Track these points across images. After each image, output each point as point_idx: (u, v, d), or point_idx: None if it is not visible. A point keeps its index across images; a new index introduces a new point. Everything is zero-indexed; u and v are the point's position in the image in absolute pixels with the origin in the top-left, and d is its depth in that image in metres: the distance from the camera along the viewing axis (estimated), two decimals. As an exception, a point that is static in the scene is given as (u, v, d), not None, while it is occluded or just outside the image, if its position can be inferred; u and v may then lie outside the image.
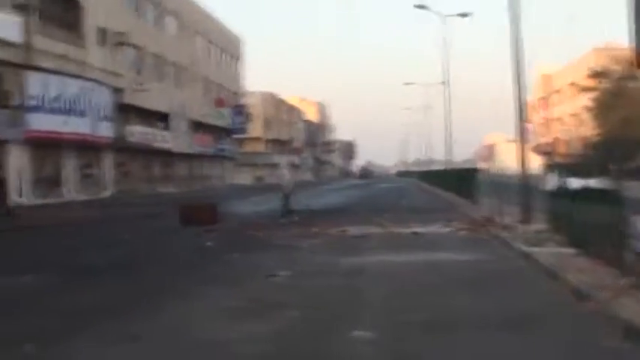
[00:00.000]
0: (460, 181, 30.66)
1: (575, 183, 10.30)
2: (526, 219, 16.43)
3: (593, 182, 9.55)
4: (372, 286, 8.71)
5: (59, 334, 6.17)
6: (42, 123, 29.92)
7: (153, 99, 41.57)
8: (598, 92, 61.89)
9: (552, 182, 12.19)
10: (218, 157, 57.70)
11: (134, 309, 7.41)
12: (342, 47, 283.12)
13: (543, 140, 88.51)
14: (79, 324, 6.63)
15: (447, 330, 6.05)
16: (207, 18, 54.57)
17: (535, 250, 10.88)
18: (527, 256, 10.60)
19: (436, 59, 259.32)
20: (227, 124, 57.52)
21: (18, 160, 29.24)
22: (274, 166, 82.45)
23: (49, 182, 32.05)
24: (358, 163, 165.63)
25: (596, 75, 62.79)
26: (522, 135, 18.50)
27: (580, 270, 8.33)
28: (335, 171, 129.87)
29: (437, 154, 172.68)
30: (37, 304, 7.96)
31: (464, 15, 41.55)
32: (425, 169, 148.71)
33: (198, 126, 50.95)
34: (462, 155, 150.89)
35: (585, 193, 9.67)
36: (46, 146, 31.18)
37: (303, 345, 5.72)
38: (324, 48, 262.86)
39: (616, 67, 60.32)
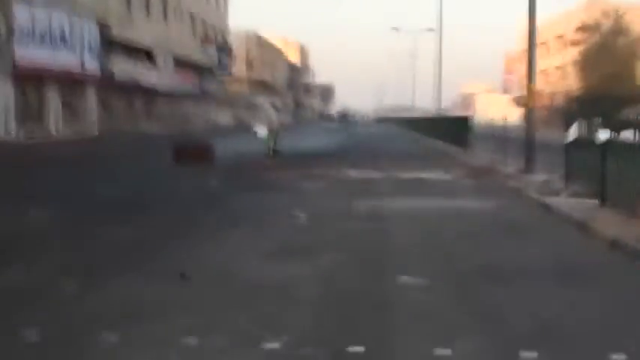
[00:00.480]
0: (451, 129, 30.63)
1: (603, 135, 10.24)
2: (529, 169, 16.62)
3: (625, 134, 9.49)
4: (402, 231, 8.64)
5: (104, 272, 6.01)
6: (30, 55, 29.13)
7: (139, 34, 40.66)
8: (587, 46, 61.87)
9: (573, 132, 12.16)
10: (201, 96, 56.85)
11: (170, 247, 7.28)
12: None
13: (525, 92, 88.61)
14: (122, 260, 6.49)
15: (501, 279, 5.98)
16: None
17: (554, 199, 10.88)
18: (546, 206, 10.58)
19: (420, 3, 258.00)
20: (212, 62, 56.52)
21: (3, 95, 28.49)
22: (256, 107, 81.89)
23: (35, 119, 31.32)
24: (336, 107, 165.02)
25: (587, 28, 62.68)
26: (530, 93, 18.47)
27: (613, 222, 8.30)
28: (313, 114, 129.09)
29: (413, 101, 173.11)
30: (70, 238, 7.77)
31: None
32: (404, 115, 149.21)
33: (182, 64, 50.00)
34: (440, 102, 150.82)
35: (617, 145, 9.62)
36: (31, 80, 30.35)
37: (356, 289, 5.62)
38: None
39: (606, 22, 60.38)
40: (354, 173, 16.43)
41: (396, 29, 72.83)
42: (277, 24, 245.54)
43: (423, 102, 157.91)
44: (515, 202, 11.74)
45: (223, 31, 61.77)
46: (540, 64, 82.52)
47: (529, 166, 16.77)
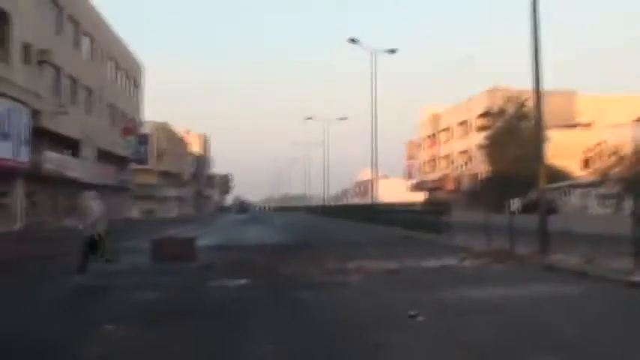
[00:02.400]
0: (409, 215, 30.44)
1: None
2: (544, 249, 16.43)
3: None
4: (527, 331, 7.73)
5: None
6: (-36, 145, 26.76)
7: (67, 124, 38.62)
8: (492, 130, 64.57)
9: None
10: (117, 189, 54.47)
11: None
12: (217, 76, 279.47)
13: (430, 177, 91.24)
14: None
15: None
16: (117, 42, 51.90)
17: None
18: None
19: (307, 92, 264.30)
20: (129, 153, 54.59)
21: None
22: (165, 199, 79.64)
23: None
24: (231, 197, 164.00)
25: (491, 114, 65.63)
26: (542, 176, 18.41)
27: None
28: (211, 205, 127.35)
29: (308, 189, 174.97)
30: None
31: (392, 51, 41.77)
32: (295, 204, 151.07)
33: (104, 154, 47.90)
34: (331, 191, 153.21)
35: None
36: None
37: None
38: (204, 77, 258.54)
39: (510, 107, 63.53)
40: (368, 264, 15.48)
41: (308, 118, 73.66)
42: (179, 113, 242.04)
43: (316, 190, 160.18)
44: (595, 285, 11.21)
45: (138, 122, 60.12)
46: (444, 149, 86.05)
47: (544, 246, 16.61)
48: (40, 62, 34.71)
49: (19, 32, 31.57)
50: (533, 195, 53.95)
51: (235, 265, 16.28)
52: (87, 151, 42.97)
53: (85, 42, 43.97)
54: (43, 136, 35.56)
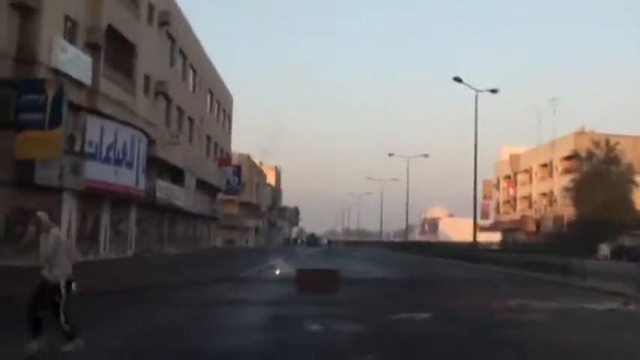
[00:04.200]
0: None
1: None
2: None
3: None
4: None
5: None
6: (96, 172, 27.71)
7: (174, 154, 39.75)
8: (580, 174, 63.51)
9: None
10: (209, 218, 55.52)
11: None
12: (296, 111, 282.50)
13: (507, 218, 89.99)
14: None
15: None
16: (214, 74, 53.33)
17: None
18: None
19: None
20: (221, 184, 55.72)
21: (68, 212, 26.80)
22: (244, 229, 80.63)
23: (90, 237, 29.50)
24: (295, 230, 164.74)
25: (578, 157, 64.63)
26: None
27: None
28: (280, 237, 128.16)
29: (366, 225, 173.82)
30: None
31: (493, 91, 41.77)
32: (361, 239, 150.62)
33: (201, 184, 48.98)
34: (392, 226, 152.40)
35: None
36: (91, 198, 28.82)
37: None
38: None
39: (598, 151, 62.50)
40: (528, 303, 15.40)
41: (391, 155, 73.92)
42: (254, 143, 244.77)
43: (374, 226, 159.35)
44: None
45: (229, 153, 61.39)
46: (523, 190, 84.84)
47: None
48: (157, 93, 35.93)
49: (142, 64, 32.77)
50: (622, 240, 53.05)
51: (387, 297, 16.43)
52: (189, 181, 44.01)
53: (190, 74, 45.31)
54: (155, 165, 36.61)
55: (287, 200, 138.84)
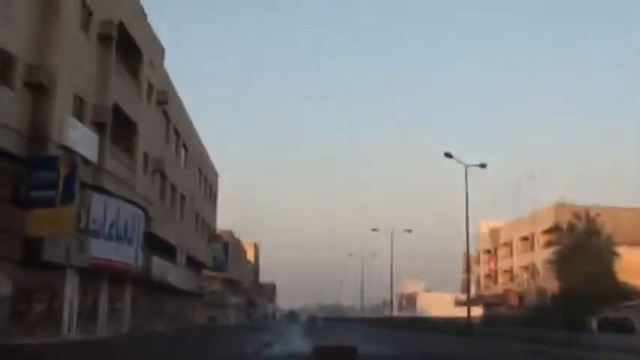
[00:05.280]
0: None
1: None
2: None
3: None
4: None
5: None
6: (99, 249, 27.65)
7: (168, 230, 39.74)
8: (561, 246, 64.25)
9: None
10: (194, 295, 55.01)
11: None
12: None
13: (488, 292, 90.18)
14: None
15: None
16: (204, 152, 53.87)
17: None
18: None
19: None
20: (209, 260, 55.51)
21: (71, 289, 26.56)
22: (226, 306, 79.66)
23: (89, 315, 29.12)
24: (271, 306, 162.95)
25: (559, 229, 65.54)
26: None
27: None
28: (259, 313, 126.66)
29: (341, 300, 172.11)
30: None
31: (483, 165, 42.70)
32: (335, 314, 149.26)
33: (190, 261, 48.78)
34: (368, 301, 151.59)
35: None
36: (92, 275, 28.62)
37: None
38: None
39: (579, 223, 63.46)
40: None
41: (375, 230, 74.36)
42: (232, 220, 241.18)
43: (350, 299, 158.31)
44: None
45: (215, 230, 61.42)
46: (504, 263, 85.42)
47: None
48: (154, 171, 36.22)
49: (142, 142, 33.15)
50: (607, 313, 53.45)
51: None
52: (180, 257, 43.89)
53: (182, 152, 45.77)
54: (150, 242, 36.50)
55: (263, 276, 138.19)
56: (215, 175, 62.04)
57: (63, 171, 22.88)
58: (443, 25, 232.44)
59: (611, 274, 60.40)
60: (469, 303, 43.23)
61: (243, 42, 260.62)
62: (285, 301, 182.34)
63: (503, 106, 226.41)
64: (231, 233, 76.21)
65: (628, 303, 54.79)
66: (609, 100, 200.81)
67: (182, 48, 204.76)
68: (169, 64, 39.41)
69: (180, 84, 42.34)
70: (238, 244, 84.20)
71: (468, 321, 42.16)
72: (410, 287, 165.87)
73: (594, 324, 53.11)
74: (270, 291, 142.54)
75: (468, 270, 43.04)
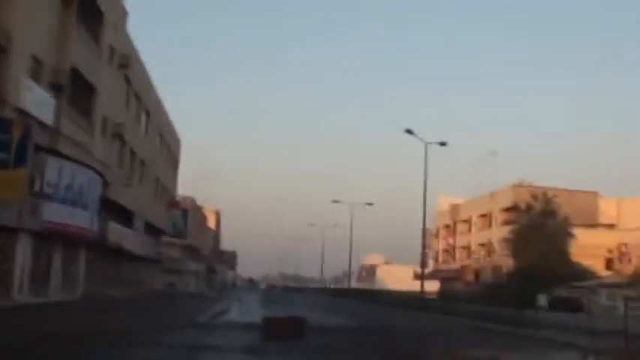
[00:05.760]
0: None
1: None
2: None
3: None
4: None
5: None
6: (53, 213, 27.39)
7: (125, 196, 39.47)
8: (518, 225, 65.44)
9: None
10: (152, 261, 54.87)
11: None
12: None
13: (445, 267, 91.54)
14: None
15: None
16: (165, 118, 53.37)
17: None
18: None
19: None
20: (168, 226, 55.34)
21: (23, 253, 26.33)
22: (185, 273, 79.64)
23: (41, 279, 28.91)
24: (232, 273, 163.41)
25: (517, 209, 66.66)
26: None
27: None
28: (219, 281, 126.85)
29: (303, 271, 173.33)
30: None
31: (443, 144, 43.09)
32: (298, 285, 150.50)
33: (149, 227, 48.56)
34: (330, 272, 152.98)
35: None
36: (45, 239, 28.38)
37: None
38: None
39: (536, 203, 64.60)
40: (494, 355, 15.94)
41: (335, 202, 74.75)
42: (195, 186, 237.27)
43: (311, 271, 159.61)
44: None
45: (175, 197, 61.13)
46: (462, 240, 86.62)
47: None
48: (113, 135, 35.85)
49: (101, 106, 32.73)
50: (559, 292, 54.77)
51: (359, 346, 16.75)
52: (138, 223, 43.66)
53: (143, 117, 45.31)
54: (107, 207, 36.24)
55: (225, 243, 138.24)
56: (177, 141, 61.61)
57: (16, 133, 22.58)
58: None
59: (565, 255, 61.82)
60: (423, 278, 43.88)
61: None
62: (246, 270, 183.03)
63: (473, 87, 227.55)
64: (192, 200, 75.96)
65: (580, 283, 56.15)
66: (572, 81, 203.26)
67: (148, 13, 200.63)
68: (133, 29, 38.69)
69: (144, 49, 41.70)
70: (199, 211, 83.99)
71: (421, 295, 42.82)
72: (370, 259, 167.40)
73: (545, 302, 54.42)
74: (230, 258, 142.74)
75: (423, 245, 43.48)
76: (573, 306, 48.96)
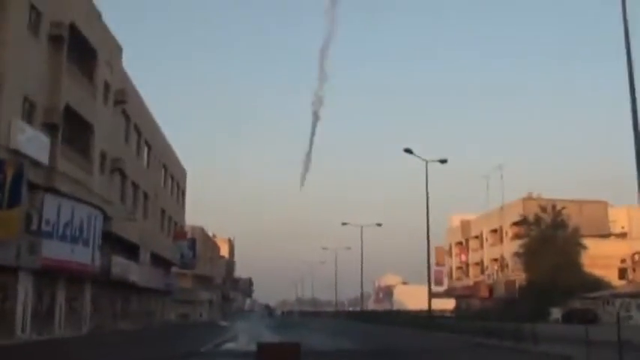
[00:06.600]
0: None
1: None
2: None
3: None
4: None
5: None
6: (53, 250, 27.68)
7: (129, 229, 39.79)
8: (528, 239, 65.14)
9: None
10: (162, 292, 55.06)
11: None
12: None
13: (460, 284, 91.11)
14: None
15: None
16: (168, 149, 53.83)
17: None
18: None
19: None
20: (176, 258, 55.58)
21: (24, 291, 26.60)
22: (199, 302, 79.81)
23: (45, 316, 29.16)
24: (249, 301, 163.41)
25: (526, 222, 66.35)
26: None
27: None
28: (234, 309, 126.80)
29: (319, 294, 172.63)
30: None
31: (443, 161, 43.13)
32: (315, 309, 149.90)
33: (155, 259, 48.82)
34: (346, 295, 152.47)
35: None
36: (47, 276, 28.67)
37: None
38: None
39: (545, 216, 64.32)
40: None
41: (345, 224, 74.76)
42: (207, 217, 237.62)
43: (326, 294, 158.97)
44: None
45: (183, 227, 61.44)
46: (474, 256, 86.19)
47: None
48: (113, 170, 36.23)
49: (98, 142, 33.14)
50: (572, 304, 54.33)
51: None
52: (143, 255, 43.94)
53: (145, 150, 45.75)
54: (110, 241, 36.54)
55: (240, 271, 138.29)
56: (182, 171, 62.02)
57: (9, 173, 22.92)
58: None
59: (576, 266, 61.42)
60: (430, 297, 43.71)
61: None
62: (263, 296, 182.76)
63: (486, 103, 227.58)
64: (201, 230, 76.27)
65: (593, 294, 55.68)
66: (577, 92, 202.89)
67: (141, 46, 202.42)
68: (128, 62, 39.28)
69: (140, 80, 42.20)
70: (209, 240, 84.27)
71: (429, 314, 42.74)
72: (387, 280, 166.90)
73: (558, 315, 54.00)
74: (246, 286, 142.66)
75: (428, 263, 43.37)
76: (587, 317, 48.44)
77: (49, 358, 21.16)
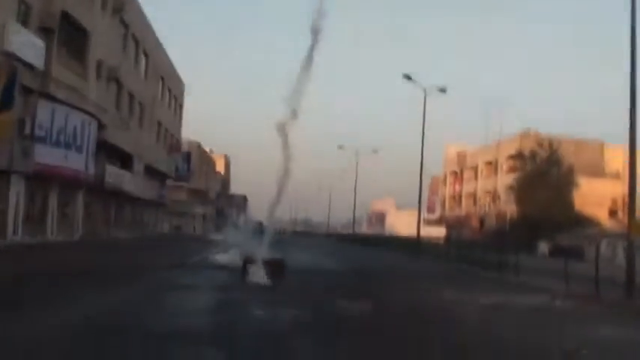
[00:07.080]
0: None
1: None
2: (631, 294, 17.16)
3: None
4: None
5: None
6: (46, 155, 27.80)
7: (124, 139, 39.78)
8: (523, 173, 65.45)
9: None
10: (157, 204, 55.54)
11: None
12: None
13: (453, 213, 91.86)
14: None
15: None
16: (167, 61, 53.23)
17: None
18: None
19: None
20: (171, 170, 55.81)
21: (16, 194, 26.83)
22: (192, 216, 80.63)
23: (37, 220, 29.52)
24: (242, 217, 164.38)
25: (522, 157, 66.49)
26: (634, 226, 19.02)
27: None
28: (228, 224, 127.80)
29: (313, 217, 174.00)
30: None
31: (442, 90, 42.80)
32: (307, 230, 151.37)
33: (149, 170, 48.99)
34: (339, 220, 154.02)
35: None
36: (40, 181, 28.86)
37: None
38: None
39: (541, 151, 64.40)
40: (463, 298, 16.22)
41: (340, 147, 74.74)
42: (203, 131, 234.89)
43: (320, 216, 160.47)
44: None
45: (179, 140, 61.39)
46: (468, 187, 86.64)
47: (630, 292, 17.36)
48: (109, 78, 35.94)
49: (95, 50, 32.75)
50: (560, 239, 55.00)
51: (328, 287, 17.12)
52: (138, 166, 44.06)
53: (142, 60, 45.24)
54: (104, 149, 36.61)
55: (236, 189, 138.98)
56: (181, 85, 61.45)
57: (2, 75, 22.75)
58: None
59: (568, 203, 61.88)
60: (419, 224, 44.15)
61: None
62: (257, 214, 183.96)
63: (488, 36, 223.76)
64: (198, 145, 76.26)
65: (581, 232, 56.26)
66: (584, 29, 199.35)
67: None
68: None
69: None
70: (205, 155, 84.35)
71: (417, 241, 43.27)
72: (382, 205, 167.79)
73: (545, 249, 54.78)
74: (240, 202, 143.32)
75: (420, 190, 43.65)
76: (573, 253, 48.95)
77: (38, 258, 21.49)
